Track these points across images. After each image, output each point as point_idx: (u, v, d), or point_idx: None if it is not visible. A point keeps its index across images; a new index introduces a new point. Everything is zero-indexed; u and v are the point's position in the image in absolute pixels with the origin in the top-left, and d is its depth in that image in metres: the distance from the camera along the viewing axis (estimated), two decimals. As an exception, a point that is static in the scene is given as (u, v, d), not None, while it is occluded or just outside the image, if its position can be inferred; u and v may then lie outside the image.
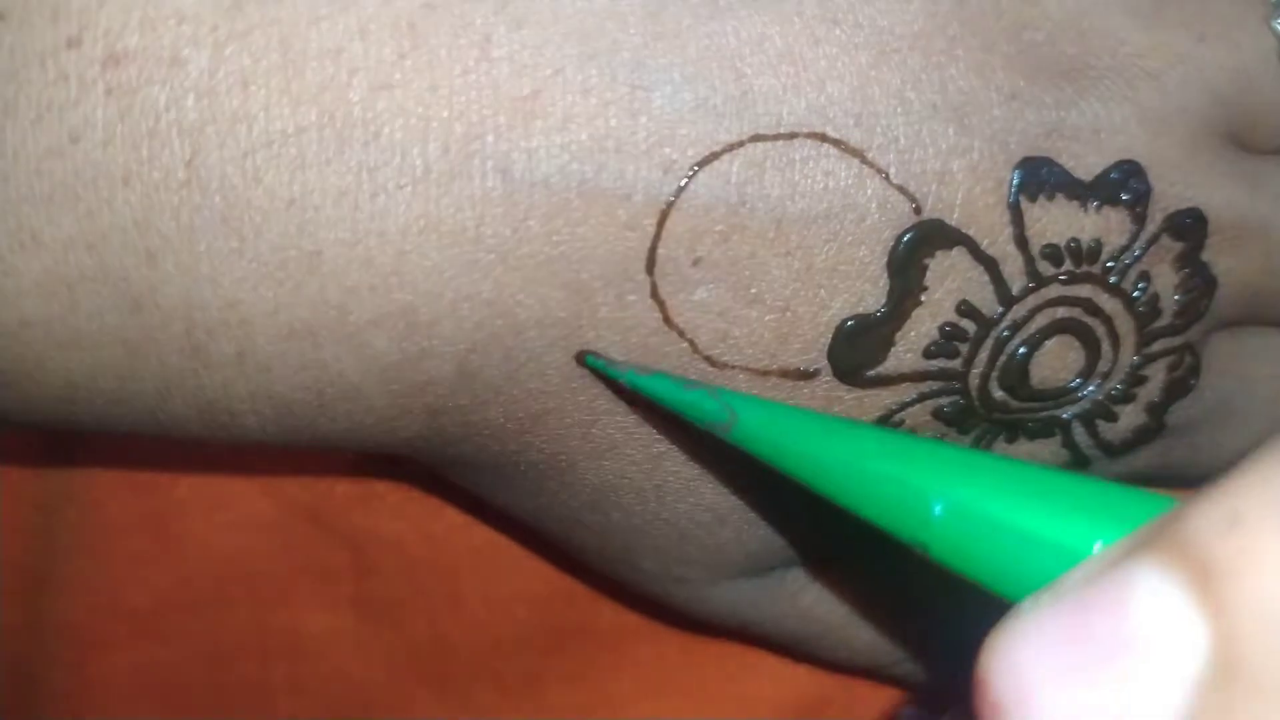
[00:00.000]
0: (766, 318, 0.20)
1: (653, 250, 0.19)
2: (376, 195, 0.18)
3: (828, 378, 0.20)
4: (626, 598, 0.29)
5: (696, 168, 0.19)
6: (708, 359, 0.20)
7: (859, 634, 0.25)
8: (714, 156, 0.19)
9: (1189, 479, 0.24)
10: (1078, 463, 0.23)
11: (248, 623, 0.30)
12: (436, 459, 0.22)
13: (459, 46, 0.18)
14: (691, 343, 0.20)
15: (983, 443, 0.22)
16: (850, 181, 0.19)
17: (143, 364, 0.19)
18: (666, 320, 0.20)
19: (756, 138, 0.19)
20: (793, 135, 0.19)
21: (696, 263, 0.19)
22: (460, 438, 0.21)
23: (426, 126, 0.18)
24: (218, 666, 0.31)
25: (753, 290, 0.20)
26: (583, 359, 0.20)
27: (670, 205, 0.19)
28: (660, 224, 0.19)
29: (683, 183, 0.19)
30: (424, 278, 0.19)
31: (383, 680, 0.31)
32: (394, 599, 0.30)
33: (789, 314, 0.20)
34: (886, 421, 0.21)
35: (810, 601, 0.25)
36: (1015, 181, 0.20)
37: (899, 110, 0.19)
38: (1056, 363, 0.21)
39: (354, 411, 0.20)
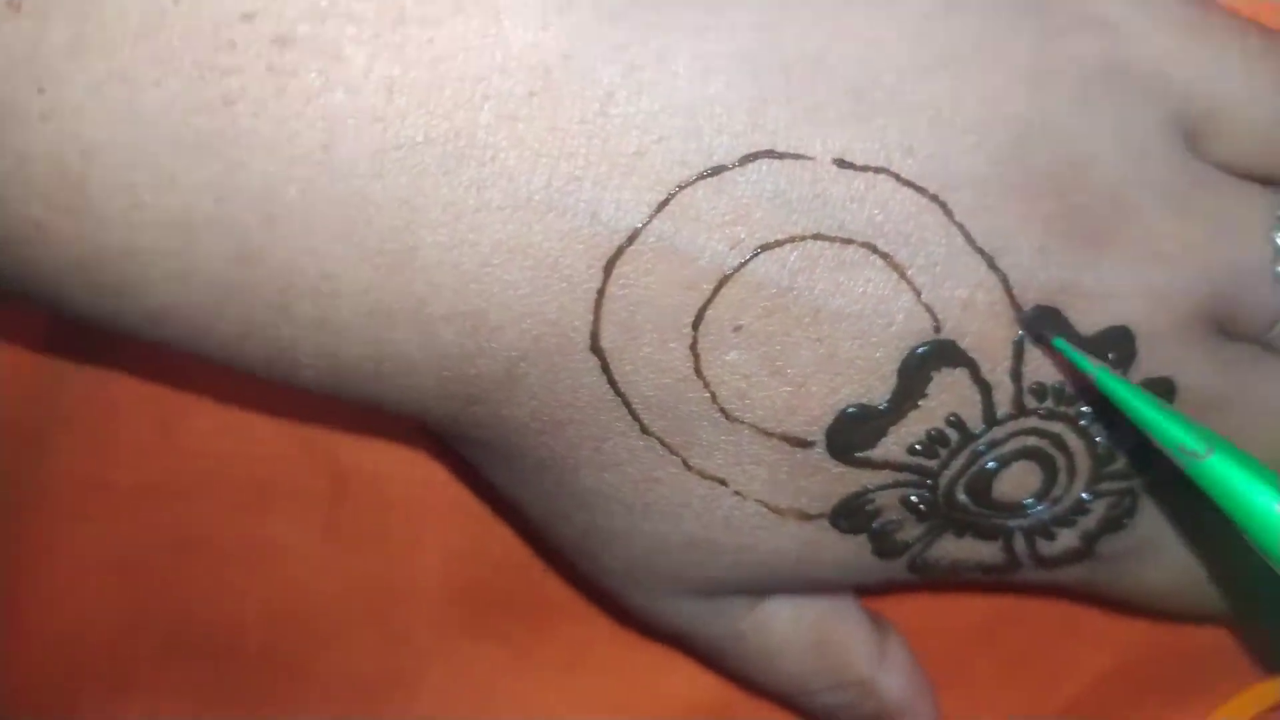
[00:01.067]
0: (783, 389, 0.22)
1: (703, 310, 0.21)
2: (479, 210, 0.20)
3: (820, 450, 0.23)
4: (574, 578, 0.32)
5: (760, 249, 0.21)
6: (723, 410, 0.22)
7: (783, 664, 0.28)
8: (778, 244, 0.21)
9: (1107, 599, 0.28)
10: (1010, 565, 0.26)
11: (219, 521, 0.32)
12: (455, 435, 0.24)
13: (583, 97, 0.20)
14: (713, 395, 0.22)
15: (932, 534, 0.25)
16: (887, 291, 0.22)
17: (233, 307, 0.20)
18: (697, 370, 0.22)
19: (818, 236, 0.21)
20: (849, 241, 0.21)
21: (737, 329, 0.22)
22: (486, 425, 0.23)
23: (537, 160, 0.20)
24: (181, 555, 0.32)
25: (778, 363, 0.22)
26: (1049, 339, 0.22)
27: (729, 276, 0.21)
28: (716, 290, 0.21)
29: (745, 259, 0.21)
30: (501, 290, 0.21)
31: (328, 603, 0.33)
32: (360, 532, 0.32)
33: (804, 390, 0.22)
34: (858, 499, 0.24)
35: (746, 628, 0.27)
36: (1025, 324, 0.22)
37: (944, 240, 0.22)
38: (1017, 482, 0.24)
39: (403, 385, 0.22)
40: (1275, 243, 0.24)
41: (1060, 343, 0.21)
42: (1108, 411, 0.23)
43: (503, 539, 0.32)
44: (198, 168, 0.19)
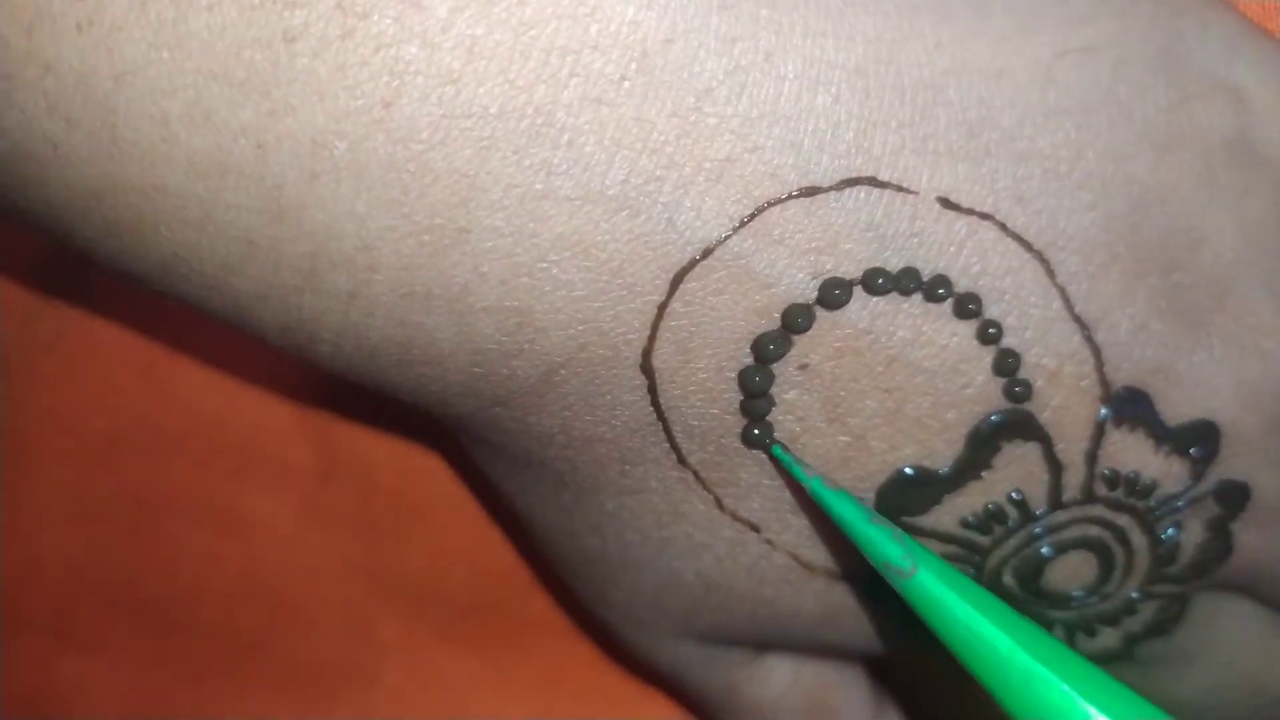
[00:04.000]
0: (840, 438, 0.20)
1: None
2: (545, 198, 0.18)
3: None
4: (562, 596, 0.30)
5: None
6: (770, 452, 0.21)
7: None
8: (858, 282, 0.19)
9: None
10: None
11: (192, 483, 0.30)
12: (471, 434, 0.22)
13: (679, 89, 0.18)
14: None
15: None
16: (971, 350, 0.20)
17: (254, 267, 0.18)
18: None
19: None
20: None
21: (803, 367, 0.20)
22: (506, 429, 0.21)
23: (617, 151, 0.18)
24: (145, 512, 0.30)
25: (840, 410, 0.20)
26: (769, 445, 0.20)
27: (805, 308, 0.19)
28: None
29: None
30: (553, 289, 0.18)
31: (295, 584, 0.31)
32: (341, 514, 0.30)
33: (862, 442, 0.20)
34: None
35: (741, 680, 0.25)
36: (1111, 406, 0.20)
37: (1041, 302, 0.20)
38: (1070, 573, 0.22)
39: (426, 375, 0.20)
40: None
41: (778, 450, 0.20)
42: (1182, 510, 0.22)
43: (492, 544, 0.29)
44: (241, 106, 0.17)
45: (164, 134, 0.17)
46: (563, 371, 0.20)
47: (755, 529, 0.21)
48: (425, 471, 0.29)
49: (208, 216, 0.18)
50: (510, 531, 0.29)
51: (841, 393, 0.20)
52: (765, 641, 0.24)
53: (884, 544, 0.19)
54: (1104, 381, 0.20)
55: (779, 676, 0.26)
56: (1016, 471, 0.21)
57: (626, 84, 0.18)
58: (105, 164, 0.17)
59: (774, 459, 0.20)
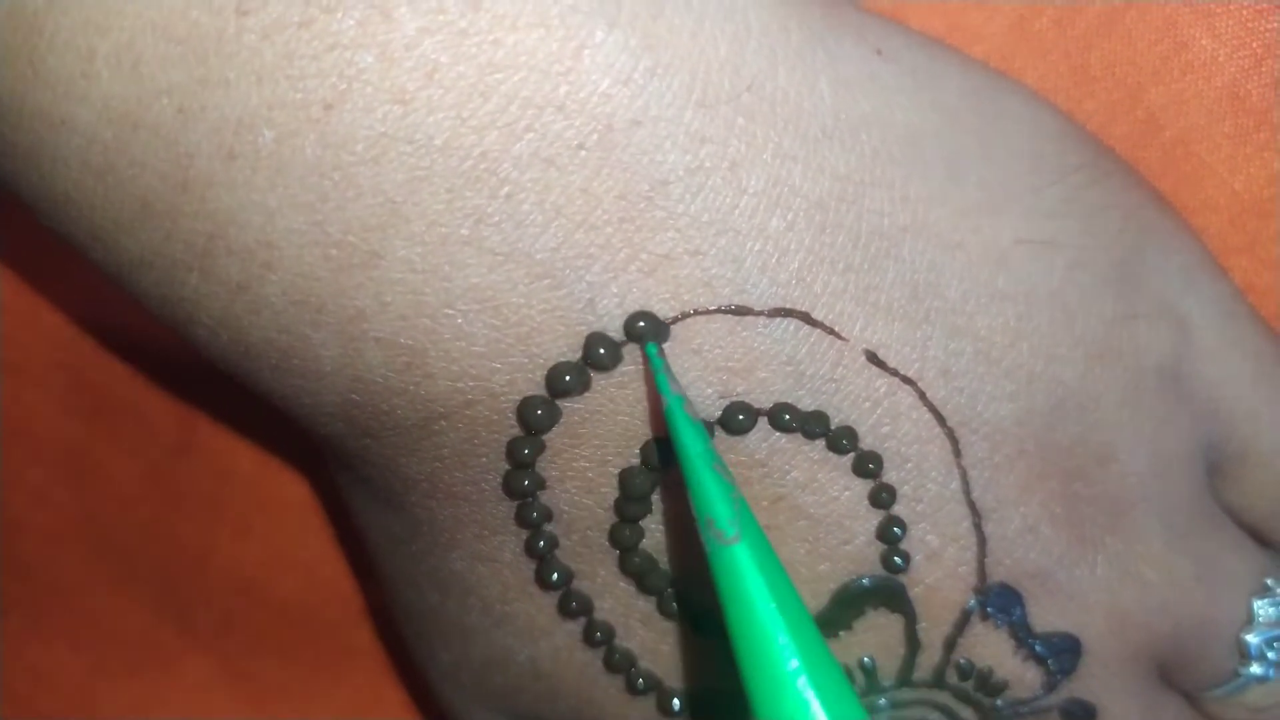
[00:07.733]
0: (706, 562, 0.19)
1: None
2: (468, 245, 0.17)
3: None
4: (387, 632, 0.29)
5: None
6: (633, 557, 0.20)
7: None
8: (764, 413, 0.18)
9: None
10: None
11: (44, 413, 0.28)
12: (338, 457, 0.21)
13: (634, 174, 0.17)
14: None
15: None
16: (859, 508, 0.19)
17: (145, 231, 0.17)
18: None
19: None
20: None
21: None
22: (375, 464, 0.20)
23: (556, 217, 0.17)
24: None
25: None
26: (643, 333, 0.17)
27: (705, 425, 0.18)
28: None
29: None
30: (453, 338, 0.17)
31: (120, 544, 0.29)
32: (189, 489, 0.28)
33: None
34: (733, 700, 0.21)
35: None
36: (982, 599, 0.20)
37: (940, 479, 0.19)
38: (901, 752, 0.21)
39: (302, 388, 0.19)
40: (1252, 608, 0.22)
41: (652, 349, 0.17)
42: (1025, 717, 0.21)
43: (333, 562, 0.28)
44: (173, 65, 0.16)
45: (85, 70, 0.16)
46: (443, 422, 0.18)
47: None
48: (285, 471, 0.28)
49: (109, 166, 0.16)
50: (355, 557, 0.28)
51: None
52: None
53: (717, 499, 0.16)
54: (982, 573, 0.20)
55: None
56: (874, 639, 0.20)
57: (583, 153, 0.17)
58: (16, 83, 0.16)
59: (645, 356, 0.18)
